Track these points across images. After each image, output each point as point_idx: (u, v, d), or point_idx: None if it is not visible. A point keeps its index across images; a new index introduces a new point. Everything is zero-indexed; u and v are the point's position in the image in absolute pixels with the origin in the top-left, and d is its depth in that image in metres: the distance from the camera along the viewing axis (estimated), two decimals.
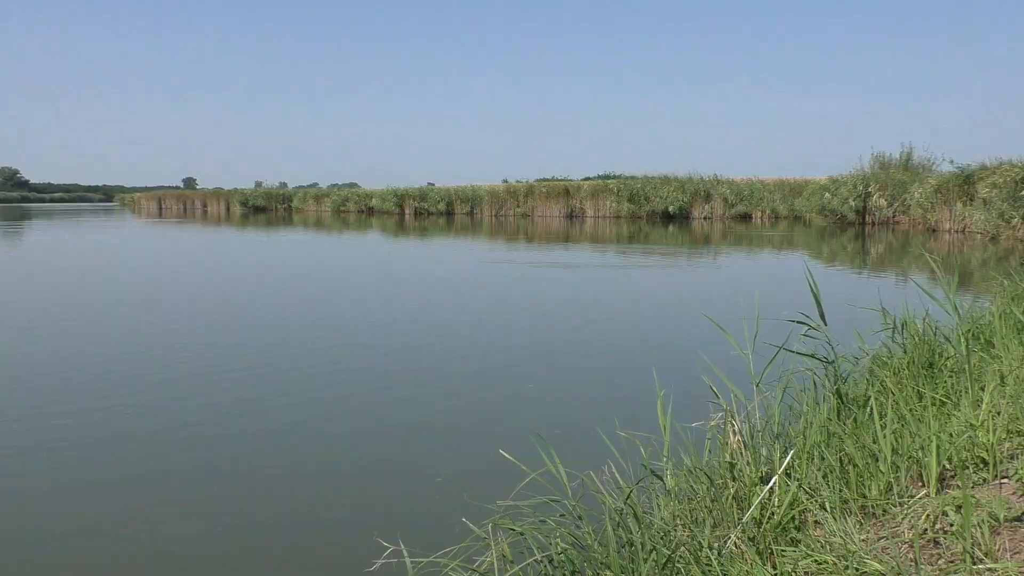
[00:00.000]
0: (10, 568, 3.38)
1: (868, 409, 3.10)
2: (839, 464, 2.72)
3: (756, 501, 2.48)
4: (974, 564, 2.00)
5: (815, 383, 3.60)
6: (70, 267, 16.98)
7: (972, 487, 2.50)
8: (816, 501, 2.50)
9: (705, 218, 36.90)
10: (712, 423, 3.15)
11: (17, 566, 3.41)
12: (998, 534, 2.13)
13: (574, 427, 5.15)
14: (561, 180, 46.39)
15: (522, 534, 2.48)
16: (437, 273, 15.44)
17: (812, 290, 3.48)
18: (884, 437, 2.67)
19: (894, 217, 28.70)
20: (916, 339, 4.13)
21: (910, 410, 3.36)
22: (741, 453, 2.80)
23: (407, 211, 49.45)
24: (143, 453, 4.74)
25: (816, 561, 2.16)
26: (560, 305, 10.90)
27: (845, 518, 2.38)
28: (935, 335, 4.16)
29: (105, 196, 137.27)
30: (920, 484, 2.57)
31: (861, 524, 2.43)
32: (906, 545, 2.18)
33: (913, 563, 2.04)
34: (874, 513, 2.48)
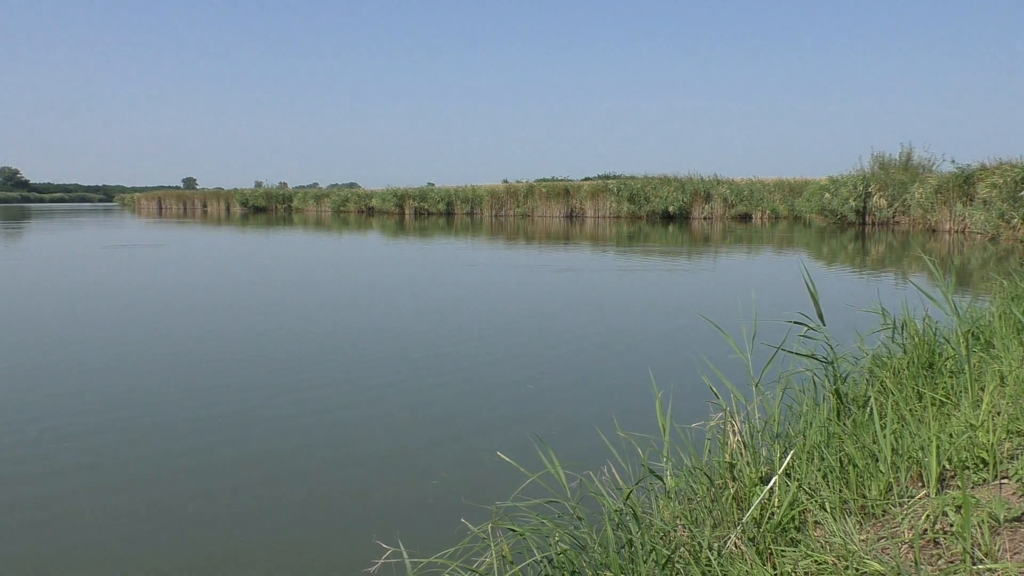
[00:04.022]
0: (24, 565, 3.38)
1: (868, 409, 3.10)
2: (839, 464, 2.71)
3: (756, 501, 2.47)
4: (974, 564, 2.00)
5: (815, 383, 3.59)
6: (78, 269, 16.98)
7: (972, 487, 2.50)
8: (816, 501, 2.50)
9: (705, 218, 36.90)
10: (712, 423, 3.15)
11: (22, 562, 3.41)
12: (998, 534, 2.13)
13: (574, 428, 5.14)
14: (561, 180, 46.41)
15: (522, 535, 2.48)
16: (436, 273, 15.44)
17: (810, 290, 3.48)
18: (884, 437, 2.66)
19: (894, 217, 28.70)
20: (916, 339, 4.13)
21: (910, 410, 3.36)
22: (741, 453, 2.80)
23: (407, 211, 49.47)
24: (140, 453, 4.73)
25: (816, 561, 2.15)
26: (559, 306, 10.90)
27: (845, 518, 2.38)
28: (935, 335, 4.16)
29: (105, 196, 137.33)
30: (920, 484, 2.57)
31: (861, 524, 2.43)
32: (906, 545, 2.18)
33: (913, 563, 2.04)
34: (874, 513, 2.48)
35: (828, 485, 2.60)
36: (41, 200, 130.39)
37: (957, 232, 24.13)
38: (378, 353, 7.55)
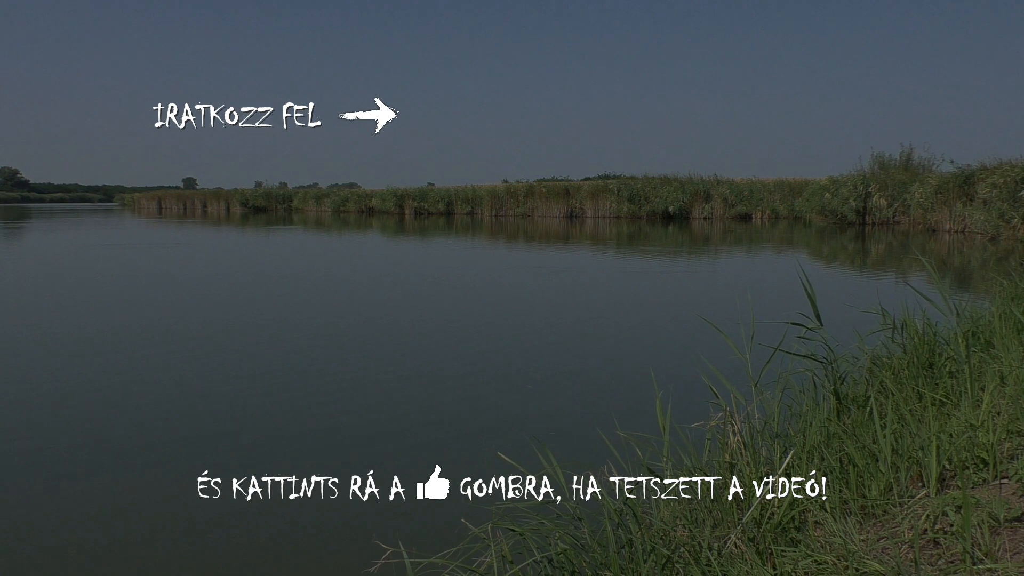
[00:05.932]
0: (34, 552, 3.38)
1: (868, 409, 3.10)
2: (839, 464, 2.71)
3: (756, 501, 2.47)
4: (974, 564, 2.00)
5: (815, 384, 3.60)
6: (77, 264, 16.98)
7: (972, 487, 2.50)
8: (816, 501, 2.50)
9: (705, 218, 36.90)
10: (712, 423, 3.15)
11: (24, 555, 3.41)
12: (998, 534, 2.13)
13: (573, 428, 5.14)
14: (561, 180, 46.42)
15: (522, 535, 2.48)
16: (436, 274, 15.44)
17: (806, 291, 3.48)
18: (884, 437, 2.66)
19: (894, 217, 28.69)
20: (916, 339, 4.13)
21: (910, 410, 3.36)
22: (741, 453, 2.80)
23: (407, 211, 49.46)
24: (141, 451, 4.73)
25: (816, 561, 2.15)
26: (559, 306, 10.90)
27: (845, 518, 2.38)
28: (935, 336, 4.16)
29: (105, 196, 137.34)
30: (920, 484, 2.57)
31: (861, 524, 2.43)
32: (906, 545, 2.18)
33: (913, 563, 2.04)
34: (874, 513, 2.48)
35: (828, 485, 2.60)
36: (41, 200, 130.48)
37: (957, 232, 24.12)
38: (376, 354, 7.55)
